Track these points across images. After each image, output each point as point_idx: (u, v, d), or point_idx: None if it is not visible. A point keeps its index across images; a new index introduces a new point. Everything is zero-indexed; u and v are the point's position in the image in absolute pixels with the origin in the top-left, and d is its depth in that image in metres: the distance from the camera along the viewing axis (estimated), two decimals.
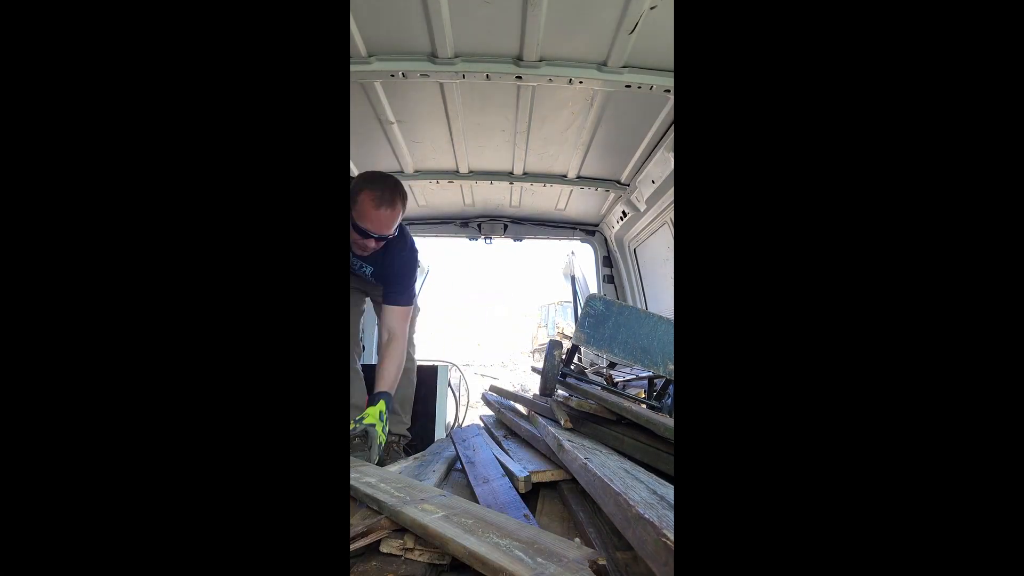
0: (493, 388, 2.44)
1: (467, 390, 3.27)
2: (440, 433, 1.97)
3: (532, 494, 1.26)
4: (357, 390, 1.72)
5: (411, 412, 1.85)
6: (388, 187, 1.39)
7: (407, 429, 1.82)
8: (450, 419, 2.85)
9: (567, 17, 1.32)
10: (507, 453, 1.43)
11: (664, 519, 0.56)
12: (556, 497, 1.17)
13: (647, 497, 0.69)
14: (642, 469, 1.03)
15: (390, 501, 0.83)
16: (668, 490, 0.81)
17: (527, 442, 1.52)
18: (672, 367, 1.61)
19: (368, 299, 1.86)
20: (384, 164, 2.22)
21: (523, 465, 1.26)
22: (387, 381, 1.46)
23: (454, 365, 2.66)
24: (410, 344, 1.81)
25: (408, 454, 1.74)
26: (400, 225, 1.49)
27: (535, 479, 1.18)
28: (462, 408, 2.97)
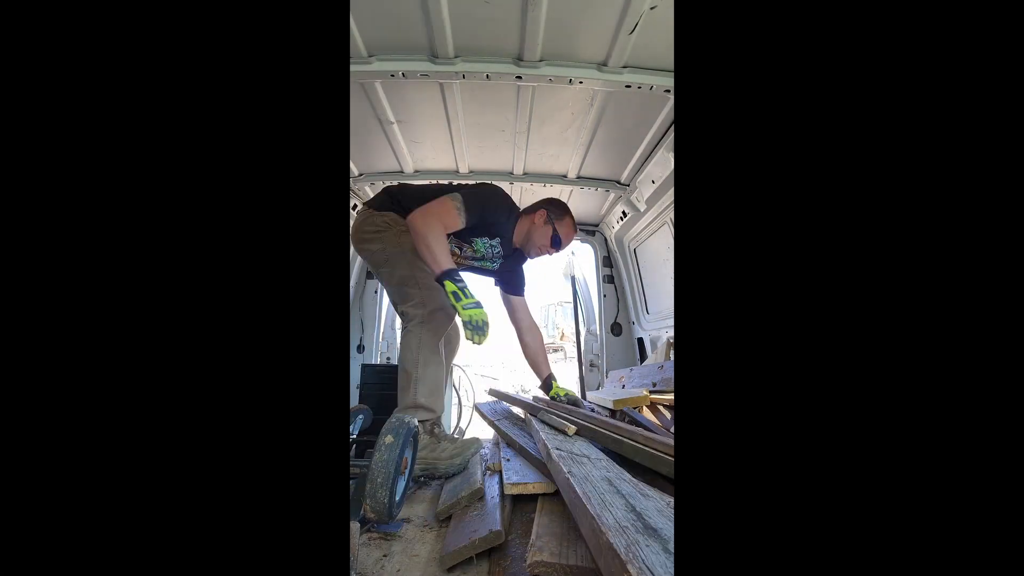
0: (492, 392, 2.41)
1: (471, 389, 3.27)
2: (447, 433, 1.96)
3: (531, 497, 1.26)
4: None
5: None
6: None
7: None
8: (453, 421, 2.84)
9: (567, 17, 1.32)
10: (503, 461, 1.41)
11: (633, 547, 0.55)
12: (557, 500, 1.17)
13: (622, 518, 0.68)
14: (628, 477, 1.02)
15: None
16: (649, 503, 0.80)
17: (525, 449, 1.50)
18: None
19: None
20: (384, 164, 2.22)
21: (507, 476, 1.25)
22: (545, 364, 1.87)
23: (456, 365, 2.65)
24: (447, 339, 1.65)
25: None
26: None
27: (514, 491, 1.16)
28: (465, 410, 2.96)
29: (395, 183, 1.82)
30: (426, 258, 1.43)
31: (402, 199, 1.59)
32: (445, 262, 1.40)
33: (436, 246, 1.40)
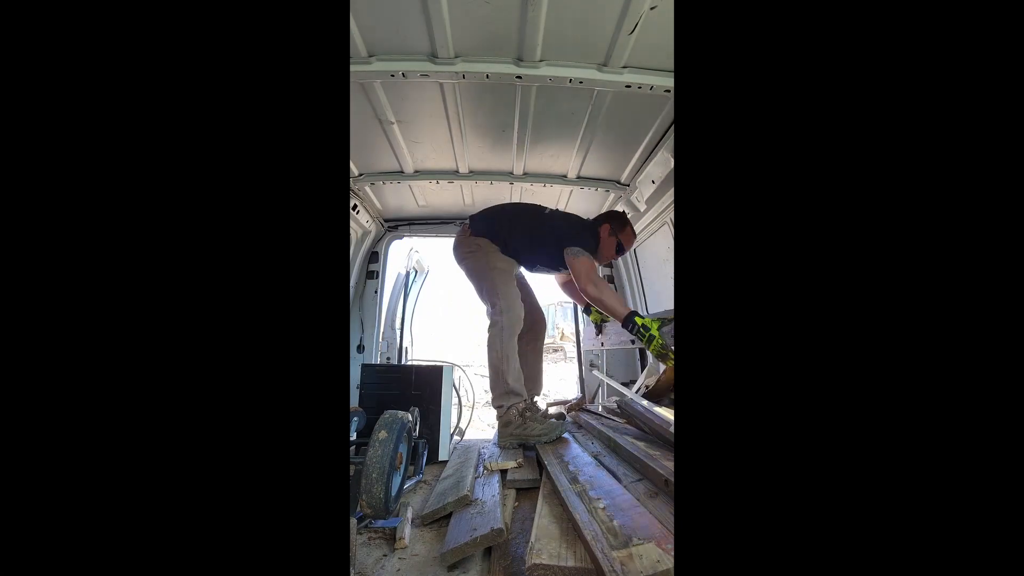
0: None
1: (471, 389, 3.27)
2: (445, 434, 1.96)
3: (532, 496, 1.27)
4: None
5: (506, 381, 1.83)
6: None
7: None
8: (453, 421, 2.83)
9: (567, 17, 1.32)
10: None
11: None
12: (556, 501, 1.18)
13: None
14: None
15: None
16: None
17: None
18: None
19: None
20: (384, 164, 2.21)
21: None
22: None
23: (456, 365, 2.66)
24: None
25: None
26: None
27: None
28: (466, 410, 2.96)
29: (499, 206, 2.17)
30: (612, 312, 1.78)
31: (496, 225, 2.00)
32: (624, 308, 1.75)
33: (612, 301, 1.78)
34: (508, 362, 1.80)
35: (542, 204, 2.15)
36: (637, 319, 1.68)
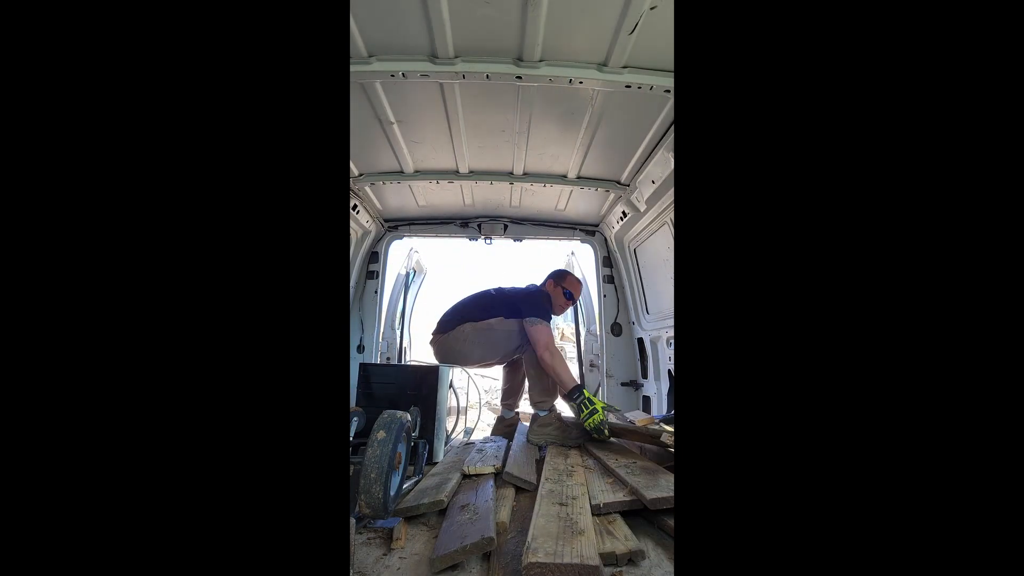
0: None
1: (476, 389, 3.27)
2: (441, 433, 1.96)
3: (532, 496, 1.26)
4: None
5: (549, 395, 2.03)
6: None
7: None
8: (451, 421, 2.83)
9: (567, 17, 1.32)
10: None
11: None
12: (554, 500, 1.17)
13: None
14: None
15: None
16: None
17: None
18: None
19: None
20: (384, 164, 2.21)
21: None
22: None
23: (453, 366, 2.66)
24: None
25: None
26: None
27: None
28: (472, 411, 2.96)
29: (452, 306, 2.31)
30: (560, 380, 1.93)
31: (460, 314, 2.20)
32: (572, 381, 1.91)
33: (563, 371, 1.92)
34: (563, 368, 1.92)
35: (488, 289, 2.35)
36: (585, 392, 1.83)
